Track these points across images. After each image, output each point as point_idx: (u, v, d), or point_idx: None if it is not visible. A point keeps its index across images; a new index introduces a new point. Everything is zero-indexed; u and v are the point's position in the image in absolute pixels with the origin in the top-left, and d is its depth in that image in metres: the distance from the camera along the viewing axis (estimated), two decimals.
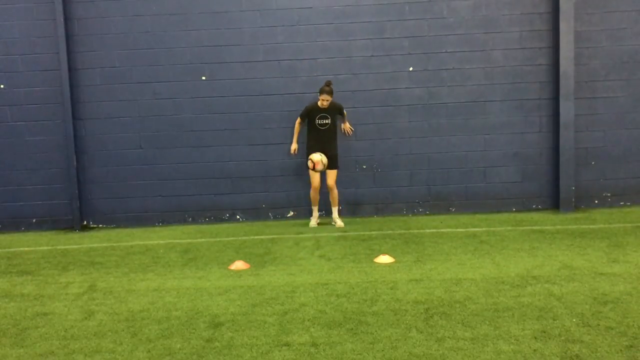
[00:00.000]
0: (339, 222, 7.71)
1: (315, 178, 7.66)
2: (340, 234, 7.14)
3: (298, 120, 7.88)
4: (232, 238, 7.26)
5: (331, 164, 7.67)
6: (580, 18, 8.01)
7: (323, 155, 7.57)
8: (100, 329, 4.08)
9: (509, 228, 7.07)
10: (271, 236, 7.23)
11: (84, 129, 8.37)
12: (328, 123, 7.63)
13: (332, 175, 7.70)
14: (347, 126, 8.06)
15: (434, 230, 7.15)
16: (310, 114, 7.67)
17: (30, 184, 8.44)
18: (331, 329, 3.86)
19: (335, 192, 7.77)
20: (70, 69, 8.21)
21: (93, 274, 5.72)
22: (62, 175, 8.42)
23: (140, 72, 8.28)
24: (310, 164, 7.54)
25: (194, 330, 3.95)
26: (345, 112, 7.94)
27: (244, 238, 7.22)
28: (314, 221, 7.84)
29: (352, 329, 3.84)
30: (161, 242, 7.24)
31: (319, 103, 7.55)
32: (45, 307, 4.64)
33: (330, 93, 7.50)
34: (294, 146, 8.00)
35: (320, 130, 7.65)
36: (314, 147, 7.68)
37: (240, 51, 8.24)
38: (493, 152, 8.25)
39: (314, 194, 7.78)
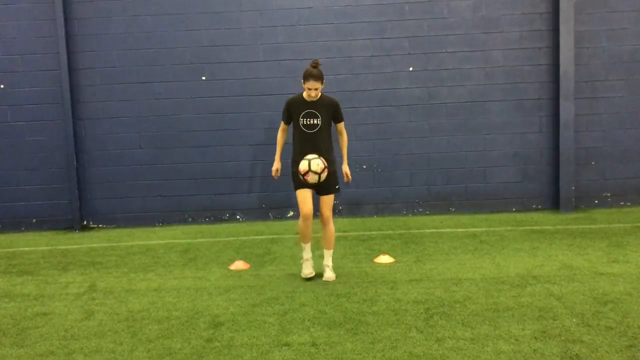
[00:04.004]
0: (329, 273, 5.10)
1: (306, 203, 4.99)
2: (340, 234, 7.14)
3: (281, 126, 5.29)
4: (232, 238, 7.25)
5: (327, 187, 5.08)
6: (580, 18, 8.01)
7: (316, 158, 4.91)
8: (100, 329, 4.08)
9: (509, 228, 7.07)
10: (271, 236, 7.23)
11: (84, 129, 8.37)
12: (318, 124, 5.00)
13: (327, 202, 5.12)
14: (346, 169, 5.32)
15: (434, 230, 7.15)
16: (292, 111, 5.08)
17: (30, 184, 8.44)
18: (331, 329, 3.86)
19: (330, 229, 5.15)
20: (70, 69, 8.20)
21: (93, 274, 5.72)
22: (62, 175, 8.41)
23: (140, 72, 8.27)
24: (302, 168, 4.91)
25: (194, 330, 3.95)
26: (343, 120, 5.21)
27: (244, 238, 7.22)
28: (307, 268, 5.14)
29: (352, 329, 3.84)
30: (161, 242, 7.24)
31: (305, 94, 5.03)
32: (45, 307, 4.64)
33: (320, 78, 4.91)
34: (276, 165, 5.38)
35: (306, 135, 5.02)
36: (300, 160, 4.98)
37: (240, 51, 8.24)
38: (493, 152, 8.25)
39: (303, 226, 5.07)
